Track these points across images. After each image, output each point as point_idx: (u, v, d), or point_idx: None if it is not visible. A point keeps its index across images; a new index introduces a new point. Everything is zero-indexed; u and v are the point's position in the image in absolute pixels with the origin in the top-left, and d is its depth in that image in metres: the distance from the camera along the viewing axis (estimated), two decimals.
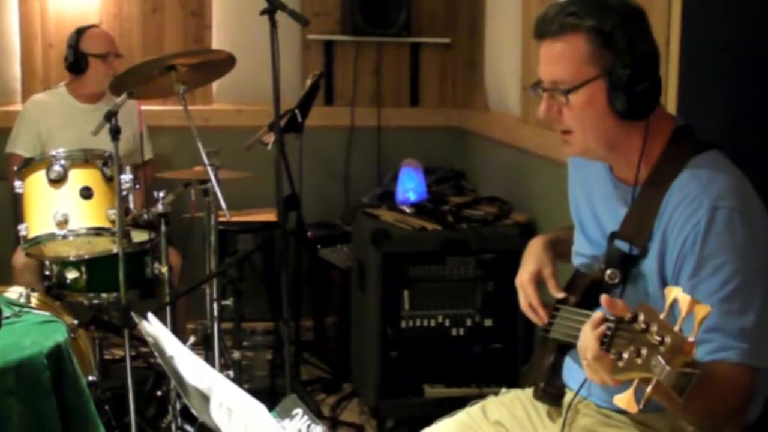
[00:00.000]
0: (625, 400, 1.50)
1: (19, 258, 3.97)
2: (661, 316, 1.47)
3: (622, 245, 2.00)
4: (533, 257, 2.29)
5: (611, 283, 1.98)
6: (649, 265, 1.96)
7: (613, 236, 2.03)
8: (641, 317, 1.49)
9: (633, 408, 1.50)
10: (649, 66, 1.95)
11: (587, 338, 1.66)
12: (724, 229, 1.84)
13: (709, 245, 1.84)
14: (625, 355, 1.51)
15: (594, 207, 2.18)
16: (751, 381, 1.81)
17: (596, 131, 1.97)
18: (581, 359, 1.72)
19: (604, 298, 1.62)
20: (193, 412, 1.49)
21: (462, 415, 2.31)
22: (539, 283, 2.24)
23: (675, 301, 1.46)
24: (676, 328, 1.44)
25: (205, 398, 1.48)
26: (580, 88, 1.94)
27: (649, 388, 1.47)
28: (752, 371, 1.81)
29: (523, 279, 2.26)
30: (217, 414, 1.45)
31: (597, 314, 1.67)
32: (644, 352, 1.47)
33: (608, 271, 1.99)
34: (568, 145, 2.04)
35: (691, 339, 1.44)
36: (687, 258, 1.86)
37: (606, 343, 1.59)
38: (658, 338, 1.46)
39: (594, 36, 1.92)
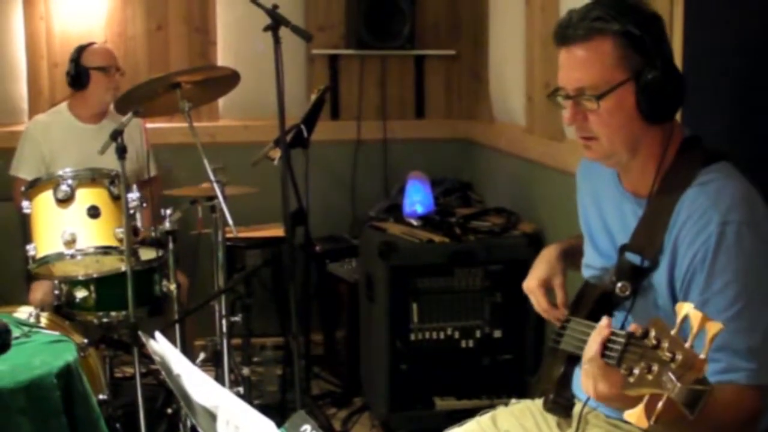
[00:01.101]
0: (635, 415, 1.49)
1: (37, 293, 3.97)
2: (672, 332, 1.46)
3: (632, 257, 2.00)
4: (545, 264, 2.30)
5: (622, 296, 1.98)
6: (659, 278, 1.95)
7: (623, 248, 2.02)
8: (652, 333, 1.48)
9: (643, 424, 1.49)
10: (673, 67, 1.97)
11: (591, 342, 1.66)
12: (732, 244, 1.84)
13: (718, 262, 1.84)
14: (636, 371, 1.50)
15: (604, 219, 2.18)
16: (759, 400, 1.81)
17: (623, 135, 1.97)
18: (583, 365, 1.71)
19: (604, 320, 1.63)
20: (200, 431, 1.49)
21: (472, 425, 2.31)
22: (548, 289, 2.25)
23: (686, 317, 1.45)
24: (687, 345, 1.43)
25: (212, 416, 1.49)
26: (611, 92, 1.93)
27: (660, 404, 1.46)
28: (760, 390, 1.82)
29: (531, 285, 2.27)
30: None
31: (602, 322, 1.66)
32: (655, 368, 1.46)
33: (619, 284, 1.98)
34: (591, 151, 2.03)
35: (702, 356, 1.43)
36: (696, 273, 1.86)
37: (616, 358, 1.58)
38: (669, 354, 1.45)
39: (622, 39, 1.92)
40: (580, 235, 2.32)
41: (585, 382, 1.67)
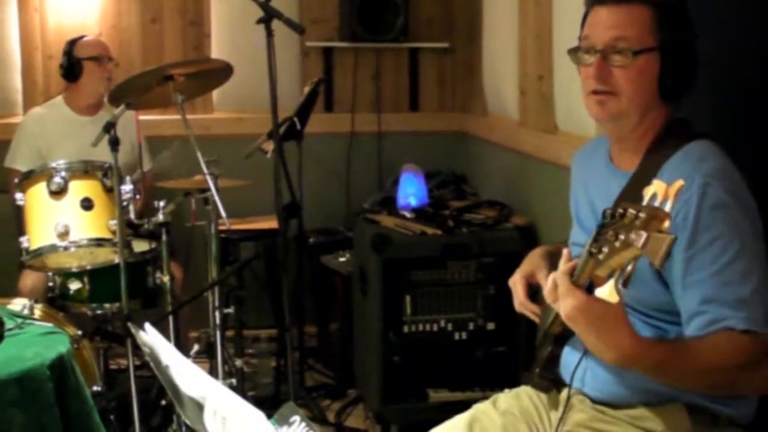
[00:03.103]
0: (606, 291, 1.58)
1: (27, 280, 3.99)
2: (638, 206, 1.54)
3: None
4: (529, 261, 2.36)
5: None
6: None
7: (605, 213, 2.05)
8: (619, 210, 1.55)
9: (614, 297, 1.55)
10: (694, 50, 2.05)
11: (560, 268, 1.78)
12: (715, 203, 1.88)
13: (702, 219, 1.88)
14: (606, 248, 1.57)
15: (590, 195, 2.23)
16: (750, 346, 1.83)
17: (641, 98, 2.03)
18: (552, 303, 1.81)
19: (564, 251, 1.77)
20: (187, 422, 1.50)
21: (471, 411, 2.34)
22: (533, 285, 2.28)
23: (654, 195, 1.54)
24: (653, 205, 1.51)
25: (199, 407, 1.50)
26: (644, 53, 2.00)
27: (629, 267, 1.55)
28: (752, 337, 1.83)
29: (514, 279, 2.33)
30: (211, 423, 1.46)
31: (564, 252, 1.82)
32: (622, 234, 1.53)
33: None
34: (604, 107, 2.07)
35: (666, 208, 1.50)
36: (680, 233, 1.88)
37: (593, 252, 1.64)
38: (633, 215, 1.52)
39: (658, 12, 2.01)
40: (563, 241, 2.37)
41: (559, 306, 1.77)
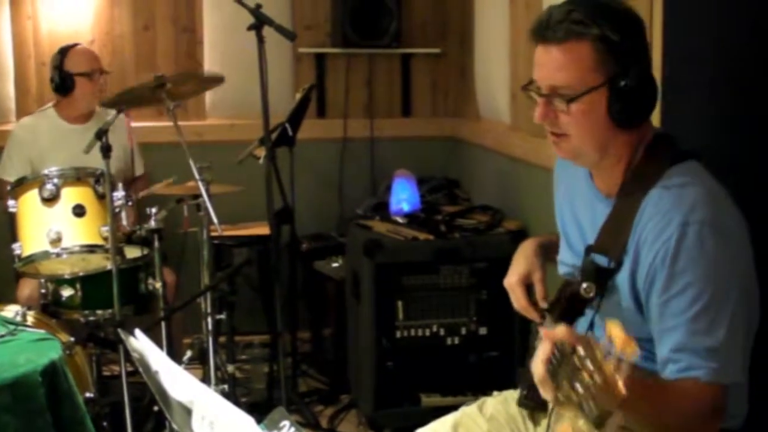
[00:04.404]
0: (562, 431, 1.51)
1: (24, 289, 3.99)
2: (598, 352, 1.44)
3: (598, 258, 2.00)
4: (523, 259, 2.30)
5: (587, 297, 1.97)
6: (622, 279, 1.96)
7: (589, 249, 2.03)
8: (580, 351, 1.46)
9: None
10: (648, 74, 1.96)
11: (536, 357, 1.65)
12: (693, 245, 1.84)
13: (678, 262, 1.84)
14: (564, 390, 1.50)
15: (577, 216, 2.19)
16: (719, 397, 1.83)
17: (592, 137, 1.96)
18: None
19: (543, 331, 1.63)
20: (175, 427, 1.51)
21: (458, 413, 2.33)
22: (528, 285, 2.26)
23: (611, 339, 1.45)
24: (612, 365, 1.42)
25: (188, 412, 1.50)
26: (583, 96, 1.92)
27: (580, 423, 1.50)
28: (718, 389, 1.83)
29: (512, 281, 2.27)
30: (198, 428, 1.47)
31: (545, 333, 1.65)
32: (579, 388, 1.45)
33: (584, 285, 1.97)
34: (560, 148, 2.02)
35: (621, 386, 1.41)
36: (657, 274, 1.87)
37: (551, 371, 1.58)
38: (590, 376, 1.43)
39: (600, 44, 1.90)
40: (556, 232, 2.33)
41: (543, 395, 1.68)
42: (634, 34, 1.95)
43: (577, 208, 2.19)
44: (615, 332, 1.44)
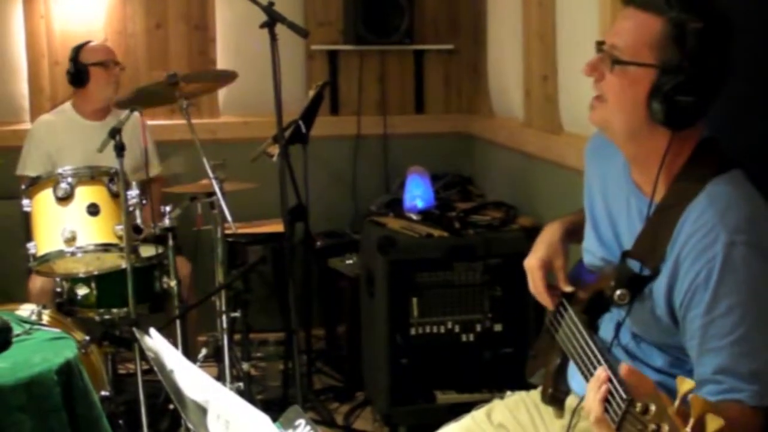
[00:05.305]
0: None
1: (36, 283, 4.00)
2: (671, 411, 1.41)
3: (633, 264, 1.95)
4: (546, 244, 2.26)
5: (620, 304, 1.94)
6: (658, 288, 1.91)
7: (625, 255, 1.97)
8: (652, 409, 1.44)
9: None
10: (705, 82, 1.85)
11: (591, 400, 1.64)
12: (739, 266, 1.79)
13: (724, 283, 1.79)
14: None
15: (610, 208, 2.12)
16: (756, 422, 1.79)
17: (624, 113, 1.91)
18: (586, 417, 1.70)
19: (626, 369, 1.58)
20: (190, 426, 1.51)
21: (467, 420, 2.32)
22: (548, 270, 2.22)
23: (686, 394, 1.41)
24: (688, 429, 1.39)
25: (203, 411, 1.50)
26: (629, 65, 1.87)
27: None
28: (762, 412, 1.79)
29: (532, 264, 2.23)
30: (214, 426, 1.47)
31: (600, 374, 1.64)
32: None
33: (618, 292, 1.92)
34: (593, 112, 1.98)
35: None
36: (699, 291, 1.82)
37: (616, 423, 1.56)
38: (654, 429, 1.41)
39: (672, 29, 1.83)
40: (582, 210, 2.26)
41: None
42: (713, 35, 1.85)
43: (611, 198, 2.12)
44: (692, 397, 1.39)
